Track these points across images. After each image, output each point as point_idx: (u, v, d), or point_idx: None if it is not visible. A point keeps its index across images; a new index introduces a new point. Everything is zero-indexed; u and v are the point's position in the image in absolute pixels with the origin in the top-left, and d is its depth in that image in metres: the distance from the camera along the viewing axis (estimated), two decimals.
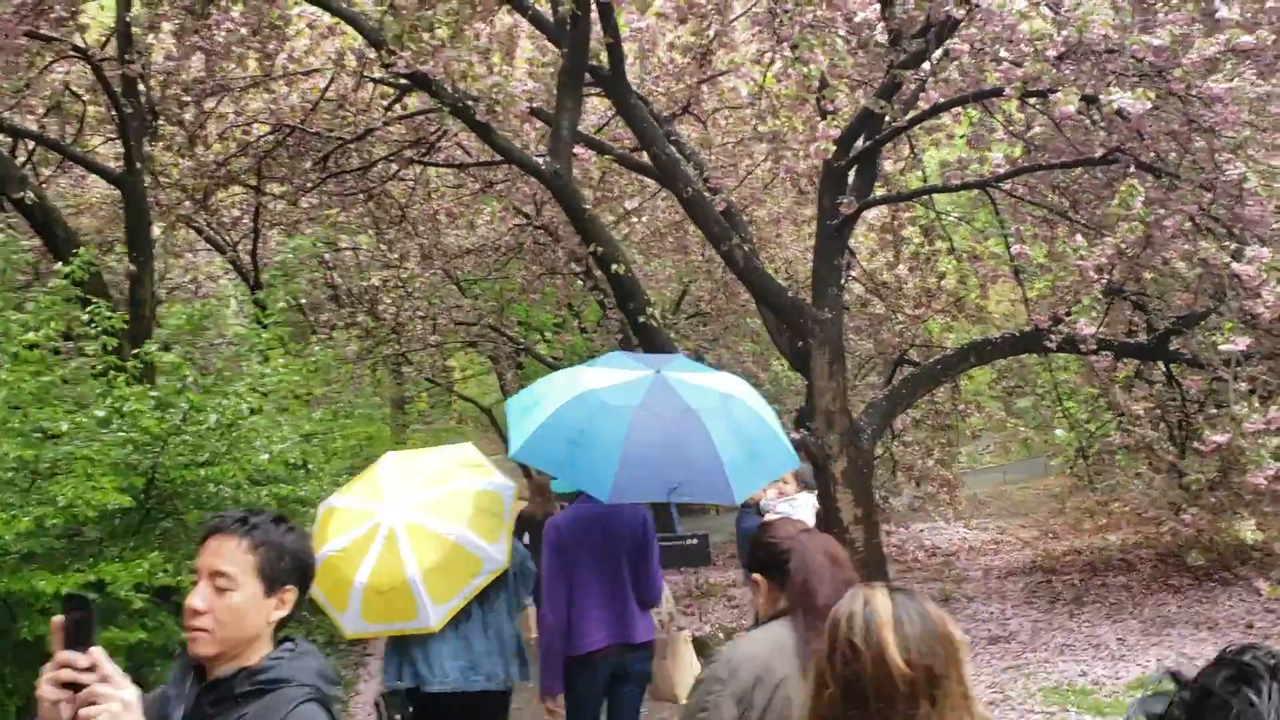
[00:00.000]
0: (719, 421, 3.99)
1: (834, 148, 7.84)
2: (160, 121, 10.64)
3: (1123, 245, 7.36)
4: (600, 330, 13.79)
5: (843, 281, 9.94)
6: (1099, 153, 8.29)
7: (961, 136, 10.32)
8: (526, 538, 9.98)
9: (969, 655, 1.76)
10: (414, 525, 4.11)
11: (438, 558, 4.06)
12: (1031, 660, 7.96)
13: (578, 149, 9.41)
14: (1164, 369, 10.32)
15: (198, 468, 6.13)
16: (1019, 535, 13.79)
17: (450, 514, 4.22)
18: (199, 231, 12.90)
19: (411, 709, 4.19)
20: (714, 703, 2.38)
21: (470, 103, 7.58)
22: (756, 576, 2.66)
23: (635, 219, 12.49)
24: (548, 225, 12.35)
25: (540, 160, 7.95)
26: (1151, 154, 7.89)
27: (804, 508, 5.20)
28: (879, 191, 9.98)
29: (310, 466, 7.70)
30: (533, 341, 17.96)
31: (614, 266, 8.04)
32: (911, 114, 8.85)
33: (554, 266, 13.15)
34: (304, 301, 14.93)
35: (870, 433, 9.60)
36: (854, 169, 9.70)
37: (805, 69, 6.68)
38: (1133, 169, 7.61)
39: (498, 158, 11.25)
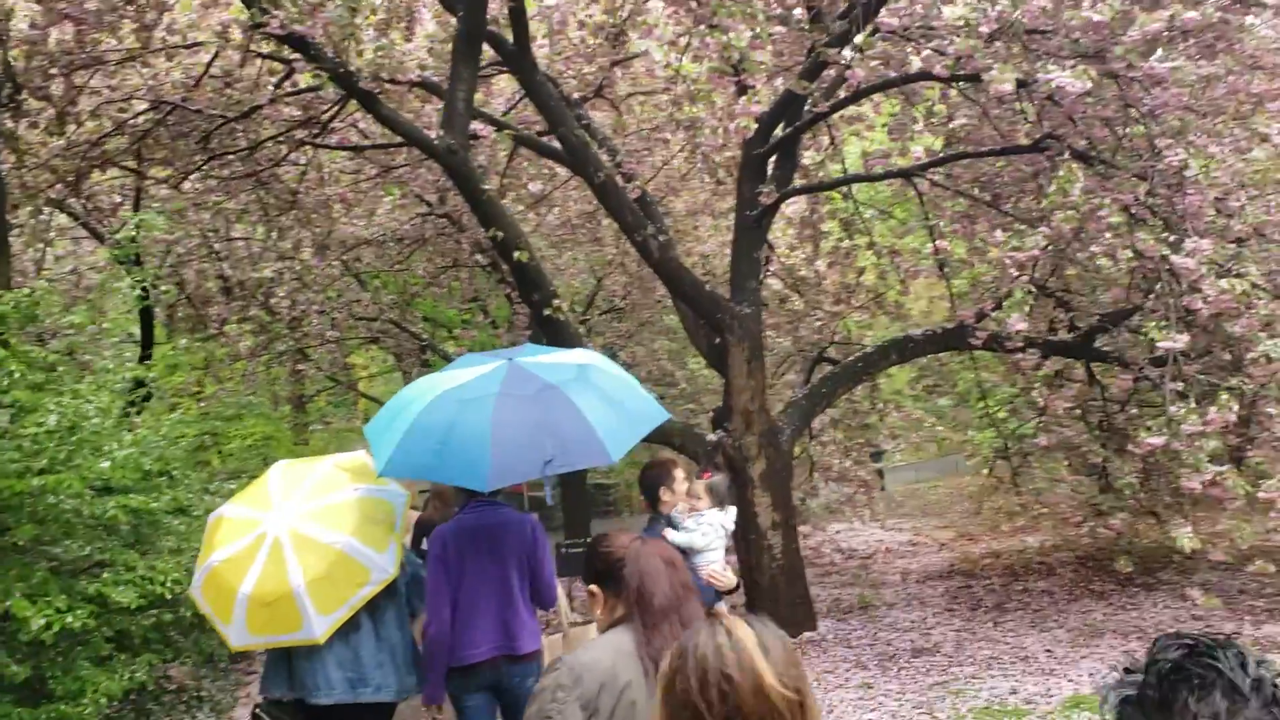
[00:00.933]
0: (580, 389, 4.00)
1: (755, 125, 7.21)
2: (24, 96, 9.63)
3: (1056, 236, 6.84)
4: (510, 327, 12.99)
5: (761, 276, 9.36)
6: (1028, 142, 7.84)
7: (883, 125, 9.84)
8: (425, 544, 9.27)
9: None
10: (300, 534, 3.96)
11: (323, 568, 3.91)
12: (959, 675, 7.43)
13: (483, 129, 8.64)
14: (1085, 368, 9.92)
15: (33, 476, 5.29)
16: (935, 537, 13.39)
17: (337, 523, 4.05)
18: (74, 217, 11.80)
19: None
20: (558, 709, 2.33)
21: (353, 69, 6.78)
22: (593, 588, 2.62)
23: (545, 209, 11.72)
24: (451, 214, 11.53)
25: (433, 135, 7.18)
26: (1084, 141, 7.41)
27: (710, 526, 4.54)
28: (799, 183, 9.40)
29: (174, 473, 6.83)
30: (439, 339, 17.09)
31: (516, 254, 7.30)
32: (833, 100, 8.30)
33: (459, 258, 12.32)
34: (188, 293, 13.95)
35: (789, 433, 9.03)
36: (774, 158, 9.15)
37: (724, 37, 6.03)
38: (1066, 156, 7.11)
39: (396, 139, 10.46)
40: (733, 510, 4.70)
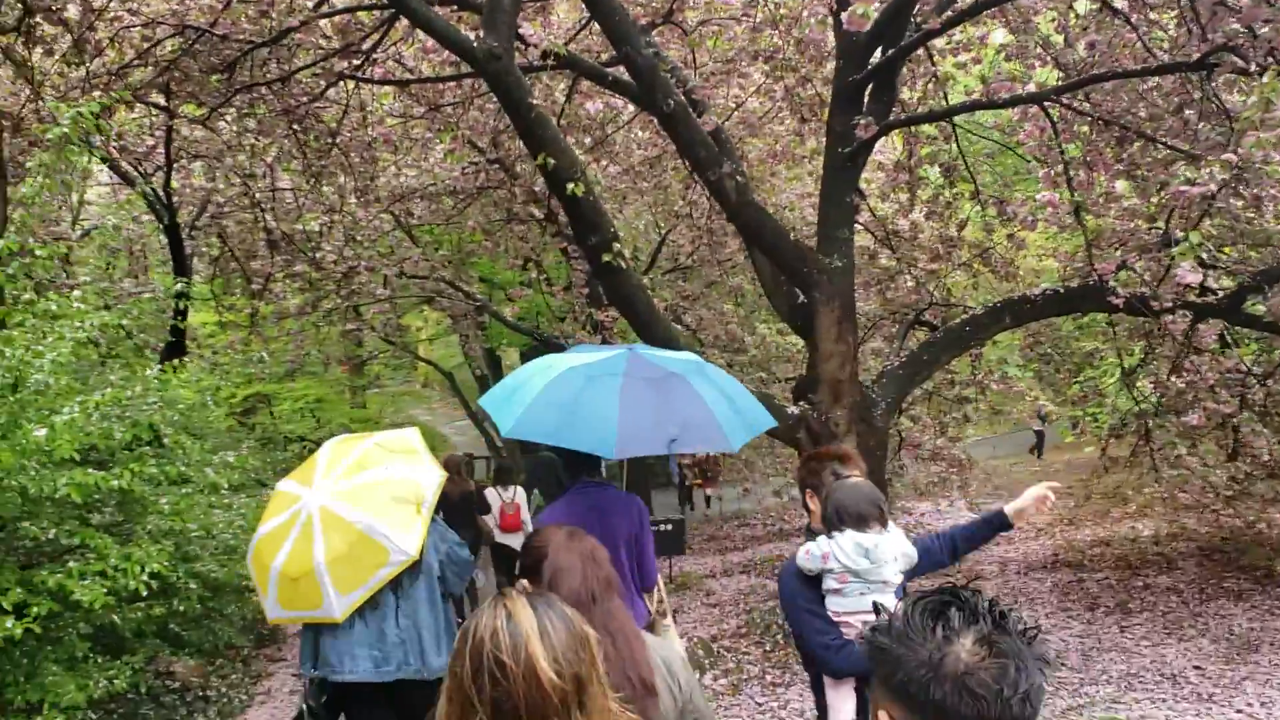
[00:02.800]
0: (700, 381, 4.07)
1: (873, 12, 5.77)
2: (36, 19, 8.49)
3: (1246, 161, 5.32)
4: (568, 286, 11.63)
5: (855, 225, 7.92)
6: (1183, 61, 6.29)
7: (999, 52, 8.33)
8: (441, 515, 8.19)
9: (600, 649, 1.64)
10: (328, 512, 3.88)
11: (345, 547, 3.82)
12: (1094, 697, 6.01)
13: (528, 43, 7.25)
14: (1220, 335, 8.34)
15: None
16: (1031, 520, 11.86)
17: (363, 502, 3.92)
18: (103, 159, 10.65)
19: (325, 697, 4.02)
20: None
21: None
22: (523, 582, 2.45)
23: (605, 158, 10.28)
24: (503, 160, 10.18)
25: (473, 38, 5.83)
26: (1265, 58, 5.85)
27: (815, 548, 3.08)
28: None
29: (166, 442, 5.61)
30: (496, 301, 15.82)
31: (570, 186, 5.94)
32: (945, 16, 6.82)
33: (512, 209, 10.97)
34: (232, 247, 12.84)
35: (885, 406, 7.62)
36: (869, 90, 7.70)
37: None
38: (1253, 69, 5.57)
39: (444, 71, 9.16)
40: (866, 537, 2.98)
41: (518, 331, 15.09)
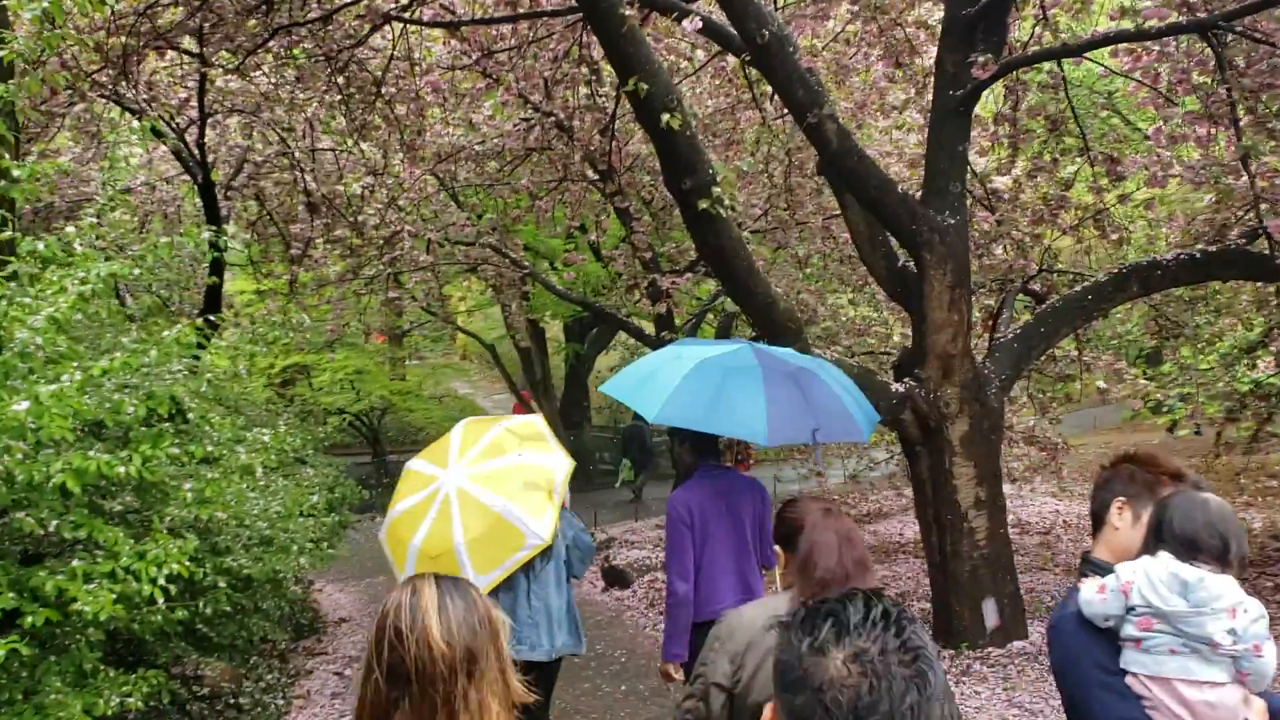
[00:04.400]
0: (825, 375, 4.27)
1: None
2: None
3: None
4: (625, 248, 10.62)
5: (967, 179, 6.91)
6: None
7: None
8: None
9: (508, 633, 1.73)
10: (466, 494, 3.94)
11: (483, 529, 3.88)
12: None
13: None
14: None
15: None
16: None
17: (500, 486, 3.98)
18: (133, 112, 9.76)
19: None
20: (712, 659, 2.38)
21: None
22: (777, 548, 2.57)
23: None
24: (558, 114, 9.16)
25: None
26: None
27: (1117, 584, 2.12)
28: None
29: (191, 417, 4.70)
30: (540, 269, 14.85)
31: (665, 117, 4.96)
32: None
33: (568, 168, 9.96)
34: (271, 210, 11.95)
35: (999, 384, 6.62)
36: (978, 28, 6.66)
37: None
38: None
39: (495, 13, 8.20)
40: (1189, 569, 2.02)
41: (567, 301, 14.14)
